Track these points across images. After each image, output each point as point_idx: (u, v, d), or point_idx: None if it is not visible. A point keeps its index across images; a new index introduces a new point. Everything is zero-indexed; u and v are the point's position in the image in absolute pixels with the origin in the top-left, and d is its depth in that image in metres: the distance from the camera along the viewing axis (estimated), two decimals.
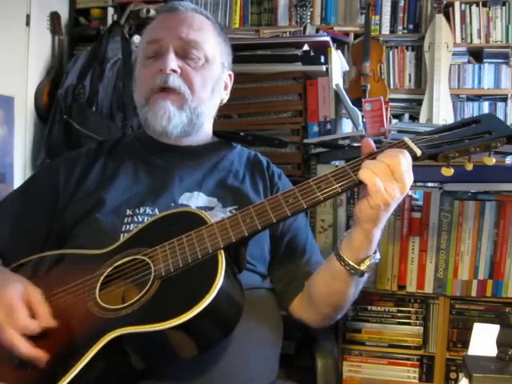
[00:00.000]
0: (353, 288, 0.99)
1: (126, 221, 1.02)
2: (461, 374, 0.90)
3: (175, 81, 1.08)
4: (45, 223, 1.08)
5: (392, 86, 3.15)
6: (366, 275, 0.96)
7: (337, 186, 0.88)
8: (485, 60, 3.06)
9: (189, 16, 1.13)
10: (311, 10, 3.15)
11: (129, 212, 1.04)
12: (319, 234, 1.49)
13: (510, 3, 3.04)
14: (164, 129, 1.09)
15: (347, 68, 2.06)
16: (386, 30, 3.15)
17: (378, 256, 0.95)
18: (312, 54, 1.66)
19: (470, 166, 0.93)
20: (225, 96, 1.22)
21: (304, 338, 1.22)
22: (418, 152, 0.89)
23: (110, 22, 2.94)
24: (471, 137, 0.91)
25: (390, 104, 2.53)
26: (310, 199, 0.87)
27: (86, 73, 2.46)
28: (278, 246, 1.11)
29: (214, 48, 1.14)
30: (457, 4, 3.06)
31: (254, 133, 1.53)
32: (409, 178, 0.87)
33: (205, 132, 1.19)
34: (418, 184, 1.47)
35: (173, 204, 1.05)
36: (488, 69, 3.06)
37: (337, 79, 1.71)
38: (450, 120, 2.94)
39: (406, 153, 0.88)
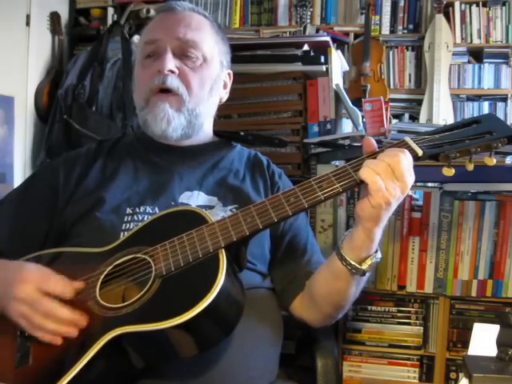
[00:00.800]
0: (354, 287, 0.99)
1: (126, 219, 1.02)
2: (461, 374, 0.90)
3: (173, 81, 1.08)
4: (44, 223, 1.08)
5: (392, 86, 3.14)
6: (367, 274, 0.96)
7: (338, 185, 0.88)
8: (485, 60, 3.06)
9: (186, 16, 1.13)
10: (311, 9, 3.15)
11: (129, 211, 1.04)
12: (319, 233, 1.49)
13: (510, 3, 3.04)
14: (163, 132, 1.09)
15: (347, 68, 2.06)
16: (385, 30, 3.15)
17: (379, 255, 0.95)
18: (312, 53, 1.66)
19: (470, 166, 0.93)
20: (224, 95, 1.22)
21: (304, 337, 1.22)
22: (420, 152, 0.89)
23: (110, 21, 2.94)
24: (472, 137, 0.91)
25: (390, 104, 2.54)
26: (311, 198, 0.87)
27: (86, 73, 2.46)
28: (279, 246, 1.11)
29: (211, 47, 1.14)
30: (457, 4, 3.06)
31: (254, 132, 1.53)
32: (410, 177, 0.87)
33: (205, 131, 1.19)
34: (418, 184, 1.47)
35: (173, 203, 1.05)
36: (488, 69, 3.06)
37: (337, 79, 1.71)
38: (450, 120, 2.94)
39: (407, 152, 0.88)
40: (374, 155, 0.89)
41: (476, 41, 3.07)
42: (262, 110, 1.67)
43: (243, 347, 0.93)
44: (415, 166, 0.89)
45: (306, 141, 1.62)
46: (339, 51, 1.94)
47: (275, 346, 1.04)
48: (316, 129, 1.64)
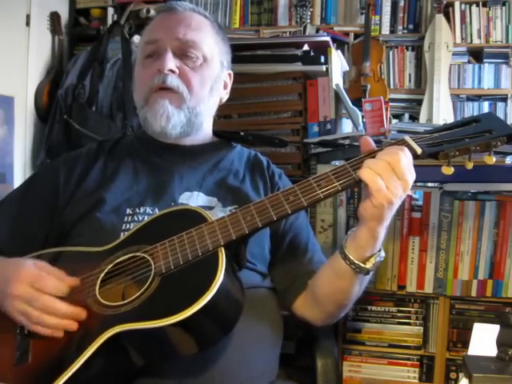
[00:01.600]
0: (357, 286, 0.99)
1: (126, 220, 1.02)
2: (461, 374, 0.90)
3: (173, 81, 1.08)
4: (44, 223, 1.08)
5: (392, 86, 3.15)
6: (370, 273, 0.96)
7: (337, 183, 0.88)
8: (485, 60, 3.06)
9: (187, 16, 1.13)
10: (311, 10, 3.15)
11: (129, 211, 1.04)
12: (319, 233, 1.49)
13: (510, 3, 3.04)
14: (163, 129, 1.09)
15: (347, 68, 2.06)
16: (386, 30, 3.15)
17: (382, 254, 0.95)
18: (312, 53, 1.66)
19: (470, 165, 0.93)
20: (224, 95, 1.22)
21: (304, 337, 1.22)
22: (419, 150, 0.89)
23: (110, 21, 2.94)
24: (472, 136, 0.91)
25: (390, 104, 2.54)
26: (311, 197, 0.87)
27: (86, 73, 2.46)
28: (280, 245, 1.11)
29: (212, 47, 1.14)
30: (457, 4, 3.07)
31: (254, 132, 1.53)
32: (410, 175, 0.87)
33: (204, 131, 1.19)
34: (418, 184, 1.47)
35: (173, 203, 1.05)
36: (488, 69, 3.06)
37: (337, 79, 1.71)
38: (450, 120, 2.94)
39: (406, 149, 0.88)
40: (373, 154, 0.89)
41: (476, 41, 3.07)
42: (261, 110, 1.67)
43: (243, 347, 0.93)
44: (415, 166, 0.89)
45: (305, 141, 1.62)
46: (339, 51, 1.94)
47: (275, 346, 1.04)
48: (316, 129, 1.64)
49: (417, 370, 1.46)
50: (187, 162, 1.14)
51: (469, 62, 3.10)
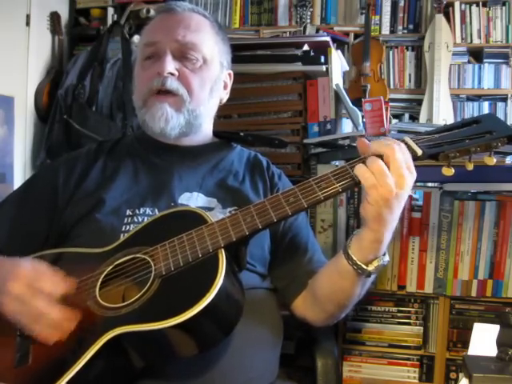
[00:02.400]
0: (359, 287, 0.98)
1: (125, 221, 1.02)
2: (461, 374, 0.90)
3: (173, 83, 1.08)
4: (44, 224, 1.08)
5: (392, 86, 3.15)
6: (372, 276, 0.95)
7: (337, 185, 0.88)
8: (485, 60, 3.06)
9: (186, 16, 1.13)
10: (311, 9, 3.15)
11: (129, 212, 1.04)
12: (319, 234, 1.49)
13: (510, 3, 3.04)
14: (162, 130, 1.09)
15: (347, 68, 2.06)
16: (386, 30, 3.15)
17: (386, 258, 0.94)
18: (312, 53, 1.66)
19: (470, 166, 0.93)
20: (224, 95, 1.22)
21: (304, 337, 1.22)
22: (419, 151, 0.89)
23: (110, 21, 2.94)
24: (472, 137, 0.91)
25: (390, 104, 2.54)
26: (311, 198, 0.87)
27: (86, 73, 2.46)
28: (280, 245, 1.11)
29: (211, 48, 1.13)
30: (457, 4, 3.06)
31: (254, 133, 1.53)
32: (406, 171, 0.86)
33: (204, 132, 1.19)
34: (418, 184, 1.47)
35: (172, 204, 1.05)
36: (488, 69, 3.06)
37: (337, 79, 1.71)
38: (450, 120, 2.94)
39: (403, 145, 0.88)
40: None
41: (476, 41, 3.07)
42: (262, 110, 1.67)
43: (243, 348, 0.93)
44: (415, 166, 0.89)
45: (305, 141, 1.62)
46: (339, 51, 1.94)
47: (275, 347, 1.04)
48: (316, 129, 1.64)
49: (417, 369, 1.46)
50: (186, 163, 1.14)
51: (469, 61, 3.10)
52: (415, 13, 3.14)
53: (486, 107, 3.08)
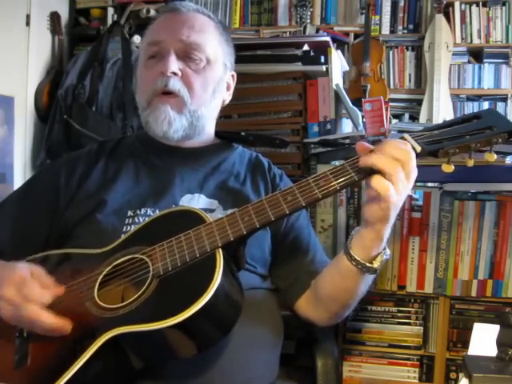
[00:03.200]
0: (362, 285, 0.99)
1: (127, 222, 1.02)
2: (461, 374, 0.90)
3: (175, 84, 1.07)
4: (45, 224, 1.08)
5: (392, 86, 3.14)
6: (376, 272, 0.96)
7: (335, 183, 0.87)
8: (485, 60, 3.06)
9: (190, 17, 1.12)
10: (311, 9, 3.15)
11: (130, 213, 1.03)
12: (319, 233, 1.49)
13: (510, 3, 3.04)
14: (165, 133, 1.09)
15: (347, 68, 2.06)
16: (386, 30, 3.15)
17: (388, 252, 0.95)
18: (312, 53, 1.66)
19: (470, 162, 0.92)
20: (227, 97, 1.21)
21: (304, 337, 1.22)
22: (418, 148, 0.89)
23: (110, 21, 2.94)
24: (472, 132, 0.90)
25: (390, 104, 2.54)
26: (309, 197, 0.87)
27: (86, 73, 2.46)
28: (281, 246, 1.10)
29: (215, 49, 1.13)
30: (457, 4, 3.06)
31: (255, 133, 1.53)
32: (415, 175, 0.87)
33: (206, 134, 1.19)
34: (418, 184, 1.47)
35: (174, 205, 1.04)
36: (488, 69, 3.06)
37: (337, 79, 1.71)
38: None
39: (409, 146, 0.88)
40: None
41: (476, 41, 3.07)
42: (262, 110, 1.67)
43: (243, 348, 0.93)
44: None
45: (306, 141, 1.62)
46: (339, 51, 1.94)
47: (275, 347, 1.04)
48: (316, 129, 1.64)
49: (417, 370, 1.46)
50: (188, 164, 1.14)
51: (469, 62, 3.10)
52: (415, 13, 3.13)
53: (485, 107, 3.07)
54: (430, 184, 1.50)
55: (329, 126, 1.63)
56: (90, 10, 3.02)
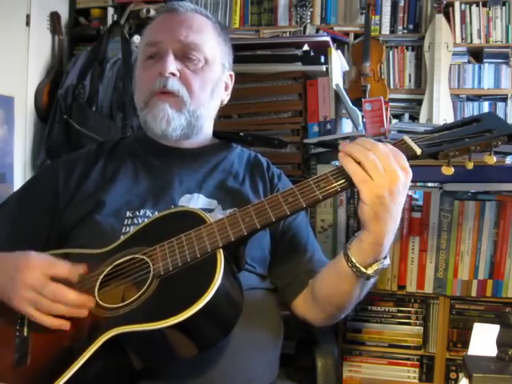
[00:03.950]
0: (357, 290, 0.97)
1: (125, 223, 1.02)
2: (461, 374, 0.90)
3: (174, 84, 1.07)
4: (45, 225, 1.08)
5: (392, 86, 3.15)
6: (372, 280, 0.94)
7: (336, 184, 0.87)
8: (485, 60, 3.06)
9: (188, 17, 1.12)
10: (311, 9, 3.15)
11: (129, 214, 1.03)
12: (319, 234, 1.49)
13: (510, 3, 3.04)
14: (163, 132, 1.09)
15: (347, 68, 2.06)
16: (386, 29, 3.15)
17: (387, 262, 0.92)
18: (312, 53, 1.66)
19: (470, 165, 0.92)
20: (225, 97, 1.21)
21: (304, 338, 1.22)
22: (418, 151, 0.89)
23: (110, 21, 2.94)
24: (472, 135, 0.90)
25: (390, 104, 2.54)
26: (309, 198, 0.87)
27: (86, 73, 2.46)
28: (279, 245, 1.10)
29: (213, 49, 1.13)
30: (457, 4, 3.06)
31: (254, 133, 1.53)
32: (397, 166, 0.84)
33: (205, 134, 1.19)
34: (418, 184, 1.47)
35: (173, 206, 1.04)
36: (488, 69, 3.06)
37: (337, 79, 1.71)
38: (450, 120, 2.94)
39: (388, 144, 0.88)
40: None
41: (476, 41, 3.07)
42: (262, 110, 1.67)
43: (243, 348, 0.93)
44: (415, 166, 0.88)
45: (305, 141, 1.62)
46: (339, 51, 1.94)
47: (275, 348, 1.04)
48: (316, 129, 1.64)
49: (417, 370, 1.46)
50: (187, 165, 1.14)
51: (469, 62, 3.10)
52: (415, 13, 3.14)
53: (485, 107, 3.07)
54: (430, 184, 1.50)
55: (329, 126, 1.63)
56: (90, 9, 3.03)
